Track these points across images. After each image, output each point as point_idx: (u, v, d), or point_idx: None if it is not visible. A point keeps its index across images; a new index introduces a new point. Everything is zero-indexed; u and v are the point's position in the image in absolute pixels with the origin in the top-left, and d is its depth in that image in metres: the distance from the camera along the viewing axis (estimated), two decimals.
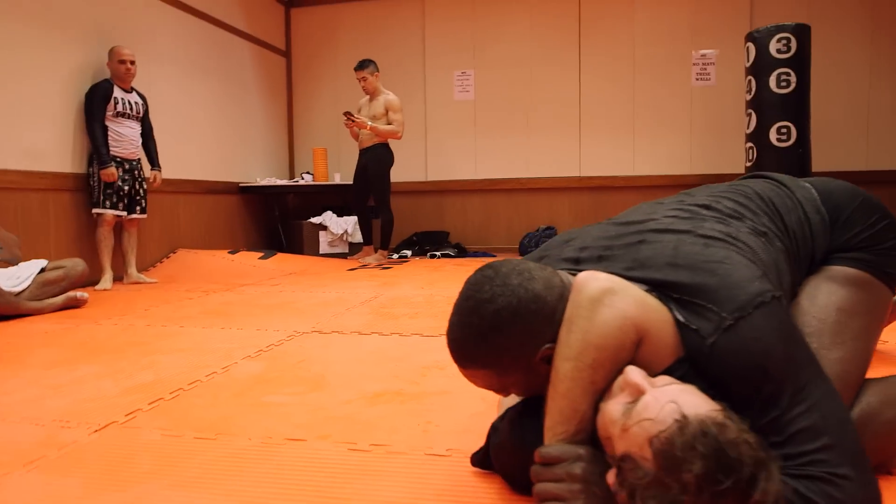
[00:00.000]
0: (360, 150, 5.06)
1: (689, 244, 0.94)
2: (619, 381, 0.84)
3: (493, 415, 1.37)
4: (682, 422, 0.71)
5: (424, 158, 5.99)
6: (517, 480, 1.01)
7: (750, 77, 4.51)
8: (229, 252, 4.74)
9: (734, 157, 5.44)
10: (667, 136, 5.53)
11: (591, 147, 5.65)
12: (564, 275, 0.95)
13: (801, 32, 4.31)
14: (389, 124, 4.88)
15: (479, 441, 1.21)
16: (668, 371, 0.86)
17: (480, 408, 1.45)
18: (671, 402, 0.75)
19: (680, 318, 0.87)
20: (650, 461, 0.72)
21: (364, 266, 4.77)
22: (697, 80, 5.44)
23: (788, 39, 4.29)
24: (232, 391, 1.60)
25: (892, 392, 1.03)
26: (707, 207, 1.08)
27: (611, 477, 0.81)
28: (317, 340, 2.18)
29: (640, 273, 0.93)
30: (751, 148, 4.55)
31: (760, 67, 4.41)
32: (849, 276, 1.07)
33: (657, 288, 0.90)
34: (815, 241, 1.09)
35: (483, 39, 5.78)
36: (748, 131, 4.58)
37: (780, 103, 4.34)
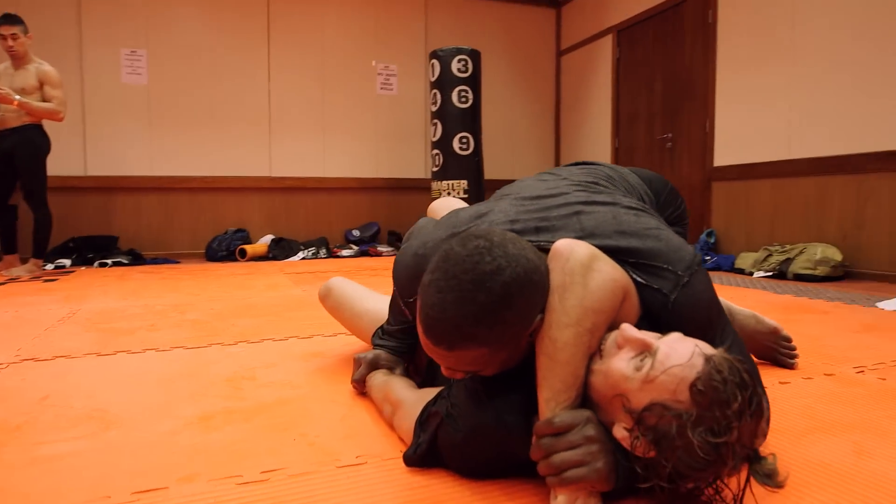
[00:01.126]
0: (0, 132, 3.94)
1: (624, 215, 1.01)
2: (612, 339, 0.86)
3: (360, 414, 1.25)
4: (713, 362, 0.77)
5: (83, 149, 4.98)
6: (490, 467, 0.94)
7: (435, 90, 5.00)
8: None
9: (416, 162, 5.95)
10: (355, 141, 5.73)
11: (282, 147, 5.50)
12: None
13: (475, 56, 4.96)
14: (45, 101, 3.93)
15: (380, 442, 1.10)
16: (637, 328, 0.91)
17: (341, 410, 1.30)
18: (694, 346, 0.80)
19: (640, 280, 0.94)
20: (687, 402, 0.76)
21: (13, 280, 3.73)
22: (382, 89, 5.78)
23: (467, 61, 4.90)
24: None
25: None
26: (597, 184, 1.18)
27: (620, 431, 0.82)
28: (42, 370, 1.63)
29: (592, 241, 0.95)
30: (437, 154, 5.04)
31: (444, 83, 4.93)
32: None
33: (611, 254, 0.95)
34: None
35: (158, 16, 5.10)
36: (434, 139, 5.07)
37: (460, 116, 4.93)
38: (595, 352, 0.87)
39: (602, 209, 1.02)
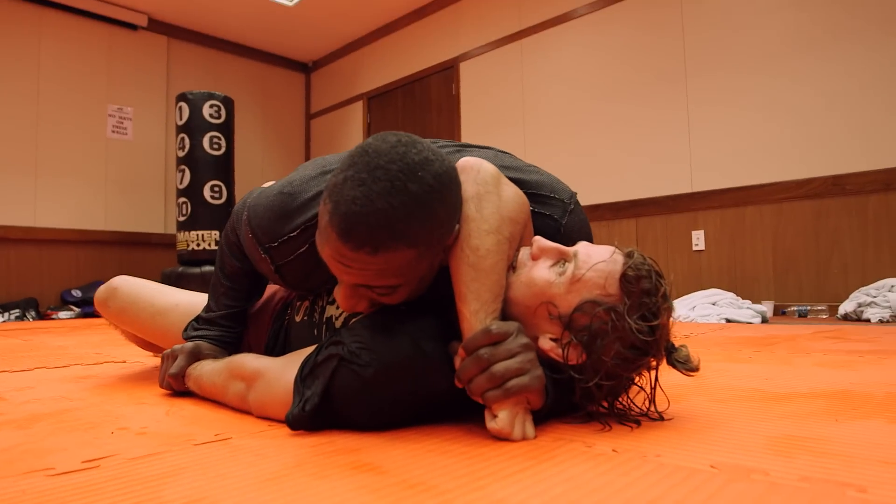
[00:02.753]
0: None
1: (502, 154, 1.06)
2: (524, 253, 0.87)
3: (189, 407, 1.02)
4: (634, 255, 0.82)
5: None
6: (404, 410, 0.83)
7: (183, 135, 4.61)
8: None
9: (153, 214, 5.34)
10: (77, 188, 4.94)
11: None
12: None
13: (228, 103, 4.74)
14: None
15: (236, 422, 0.92)
16: None
17: (160, 408, 1.05)
18: (611, 246, 0.84)
19: (534, 208, 0.96)
20: (616, 295, 0.79)
21: None
22: (114, 132, 5.14)
23: (220, 107, 4.65)
24: None
25: None
26: None
27: (546, 343, 0.82)
28: None
29: None
30: (185, 203, 4.60)
31: (194, 128, 4.59)
32: None
33: None
34: None
35: None
36: (181, 186, 4.63)
37: (213, 163, 4.60)
38: (508, 266, 0.84)
39: (479, 150, 1.03)
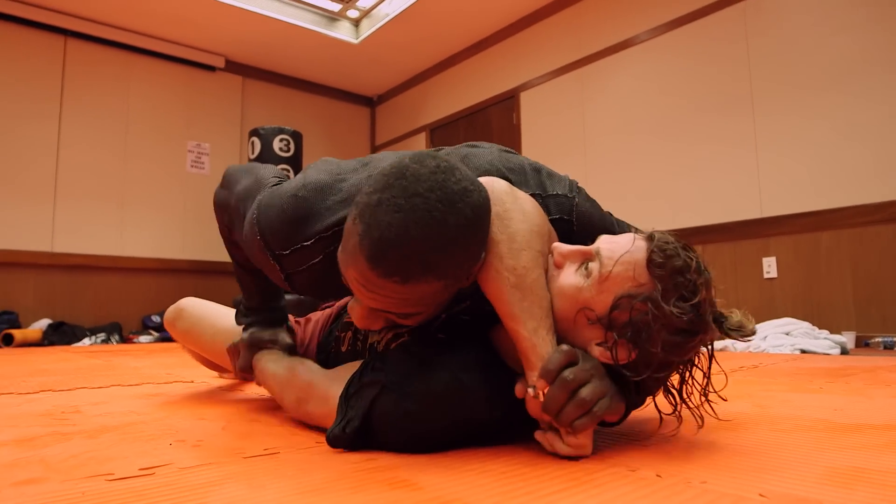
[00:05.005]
0: None
1: (505, 153, 0.97)
2: (549, 264, 0.83)
3: (243, 424, 1.05)
4: (655, 237, 0.78)
5: None
6: (441, 439, 0.83)
7: None
8: None
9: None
10: (159, 219, 5.25)
11: (68, 219, 4.81)
12: None
13: (297, 137, 4.95)
14: None
15: (287, 436, 0.94)
16: None
17: (217, 423, 1.09)
18: (629, 234, 0.81)
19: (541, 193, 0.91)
20: (648, 283, 0.75)
21: None
22: (192, 167, 5.45)
23: (289, 141, 4.86)
24: None
25: None
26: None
27: (594, 349, 0.79)
28: None
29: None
30: None
31: (265, 161, 4.81)
32: None
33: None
34: None
35: None
36: None
37: None
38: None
39: (483, 149, 0.96)
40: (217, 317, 1.41)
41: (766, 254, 3.41)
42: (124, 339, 4.70)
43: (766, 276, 3.40)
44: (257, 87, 5.91)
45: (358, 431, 0.82)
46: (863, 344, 2.99)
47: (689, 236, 3.68)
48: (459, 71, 5.59)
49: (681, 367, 0.79)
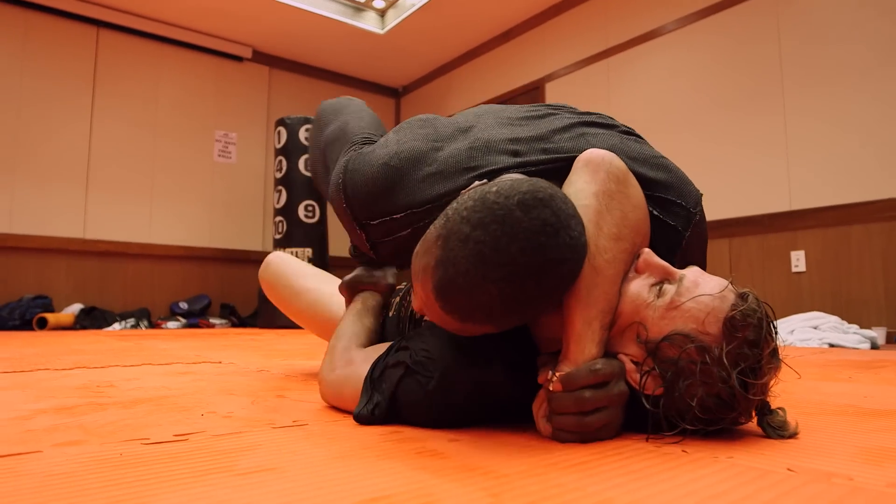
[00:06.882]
0: None
1: (627, 140, 0.92)
2: (634, 261, 0.79)
3: (272, 398, 1.06)
4: (749, 299, 0.72)
5: None
6: (463, 416, 0.83)
7: (281, 157, 4.89)
8: None
9: (252, 233, 5.66)
10: (187, 207, 5.33)
11: (99, 206, 4.91)
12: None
13: None
14: None
15: (314, 411, 0.95)
16: None
17: (247, 398, 1.11)
18: (724, 280, 0.76)
19: (656, 213, 0.85)
20: (714, 336, 0.70)
21: None
22: (220, 157, 5.52)
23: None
24: None
25: None
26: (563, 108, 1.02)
27: (628, 364, 0.76)
28: None
29: None
30: (280, 222, 4.86)
31: (291, 150, 4.86)
32: None
33: None
34: None
35: None
36: (278, 206, 4.89)
37: (307, 184, 4.84)
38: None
39: (603, 132, 0.92)
40: (296, 276, 1.44)
41: (794, 247, 3.35)
42: (153, 325, 4.79)
43: (794, 269, 3.35)
44: (284, 78, 5.96)
45: (385, 415, 0.83)
46: (894, 339, 2.93)
47: (717, 229, 3.64)
48: (485, 61, 5.57)
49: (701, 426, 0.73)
